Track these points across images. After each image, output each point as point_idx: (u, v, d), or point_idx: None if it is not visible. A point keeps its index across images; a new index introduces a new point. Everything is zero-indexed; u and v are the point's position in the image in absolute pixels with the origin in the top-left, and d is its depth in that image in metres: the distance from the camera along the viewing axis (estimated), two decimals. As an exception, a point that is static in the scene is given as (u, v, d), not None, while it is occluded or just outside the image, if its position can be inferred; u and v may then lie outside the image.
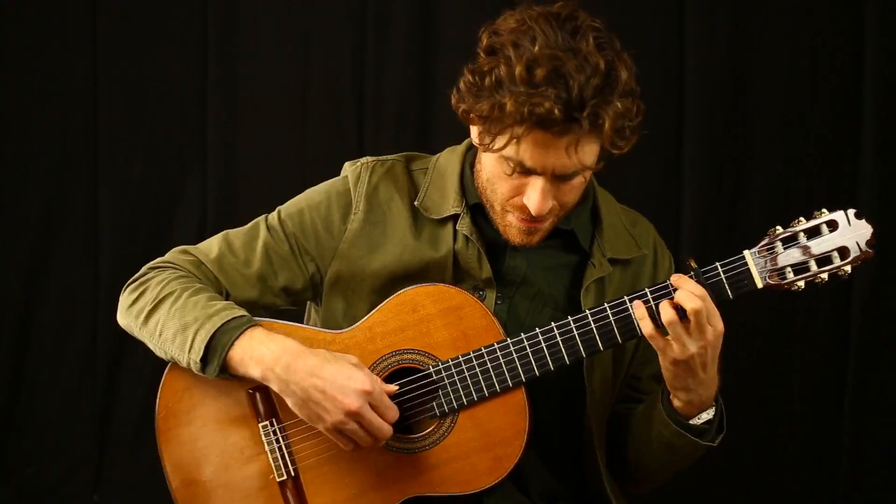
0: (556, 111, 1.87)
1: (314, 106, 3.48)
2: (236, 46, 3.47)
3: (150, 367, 3.51)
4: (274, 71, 3.49)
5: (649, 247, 2.24)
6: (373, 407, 2.01)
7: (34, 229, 3.55)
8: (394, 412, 2.04)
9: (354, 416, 2.00)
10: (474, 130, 2.06)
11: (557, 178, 1.99)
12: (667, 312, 1.93)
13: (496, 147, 1.96)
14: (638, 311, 1.96)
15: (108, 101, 3.51)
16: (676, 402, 2.06)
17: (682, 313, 1.93)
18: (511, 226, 2.08)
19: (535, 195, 1.99)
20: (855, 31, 3.19)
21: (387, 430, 2.03)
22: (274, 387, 2.05)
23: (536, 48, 1.89)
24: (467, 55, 3.35)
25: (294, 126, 3.50)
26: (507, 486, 2.13)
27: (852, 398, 3.27)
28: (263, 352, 2.04)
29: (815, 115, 3.25)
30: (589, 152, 1.96)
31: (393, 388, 2.06)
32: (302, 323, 2.28)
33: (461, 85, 2.00)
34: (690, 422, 2.06)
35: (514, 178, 2.01)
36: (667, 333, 1.95)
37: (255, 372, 2.05)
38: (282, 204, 2.29)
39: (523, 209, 2.03)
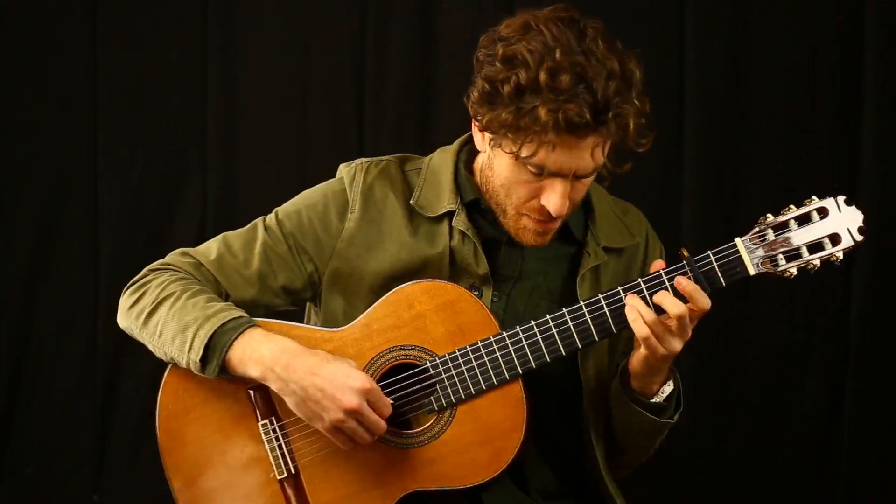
0: (587, 115, 1.91)
1: (314, 106, 3.48)
2: (236, 46, 3.48)
3: (150, 366, 3.48)
4: (274, 71, 3.49)
5: (641, 234, 2.27)
6: (370, 404, 2.03)
7: (34, 229, 3.55)
8: (388, 408, 2.05)
9: (354, 413, 2.01)
10: (481, 135, 2.09)
11: (575, 179, 2.02)
12: (648, 312, 1.97)
13: (524, 154, 1.98)
14: (630, 314, 1.98)
15: (108, 100, 3.51)
16: (636, 384, 2.10)
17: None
18: (526, 228, 2.10)
19: (556, 197, 2.02)
20: (855, 30, 3.20)
21: (382, 426, 2.04)
22: (273, 386, 2.06)
23: (557, 54, 1.92)
24: (467, 55, 3.38)
25: (294, 126, 3.50)
26: (506, 483, 2.14)
27: (852, 400, 3.28)
28: (263, 352, 2.05)
29: (816, 115, 3.25)
30: (606, 151, 2.01)
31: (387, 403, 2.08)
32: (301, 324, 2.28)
33: (474, 94, 2.02)
34: (653, 400, 2.10)
35: (532, 183, 2.04)
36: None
37: (254, 372, 2.06)
38: (280, 204, 2.30)
39: (541, 211, 2.06)
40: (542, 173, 2.01)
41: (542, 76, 1.91)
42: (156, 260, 2.29)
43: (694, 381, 3.17)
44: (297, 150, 3.50)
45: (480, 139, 2.11)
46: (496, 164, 2.09)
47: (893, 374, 3.27)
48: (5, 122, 3.53)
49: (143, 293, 2.19)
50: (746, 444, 3.34)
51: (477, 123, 2.07)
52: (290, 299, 2.26)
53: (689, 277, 1.98)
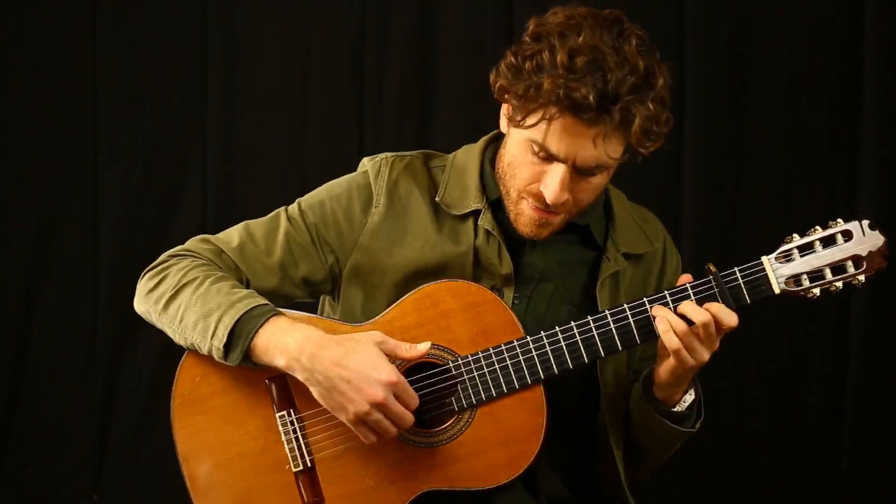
0: (591, 98, 1.92)
1: (314, 106, 3.49)
2: (236, 46, 3.48)
3: (150, 366, 3.52)
4: (274, 71, 3.49)
5: (659, 241, 2.28)
6: (396, 397, 2.01)
7: (34, 229, 3.54)
8: (415, 400, 2.03)
9: (379, 406, 2.00)
10: (505, 109, 2.11)
11: (578, 172, 2.03)
12: (680, 324, 1.99)
13: (527, 124, 2.00)
14: (661, 325, 2.00)
15: (108, 101, 3.50)
16: (659, 393, 2.11)
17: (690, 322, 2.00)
18: (523, 214, 2.11)
19: (553, 183, 2.03)
20: (855, 32, 3.21)
21: (409, 419, 2.03)
22: (299, 376, 2.04)
23: (581, 39, 1.95)
24: (467, 55, 3.40)
25: (294, 126, 3.50)
26: (518, 487, 2.14)
27: (853, 401, 3.29)
28: (288, 341, 2.03)
29: (815, 116, 3.26)
30: (612, 149, 2.01)
31: (424, 347, 2.05)
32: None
33: (502, 65, 2.04)
34: (675, 409, 2.12)
35: (535, 165, 2.05)
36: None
37: (279, 361, 2.04)
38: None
39: (539, 197, 2.06)
40: (544, 154, 2.02)
41: (561, 56, 1.95)
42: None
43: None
44: (297, 150, 3.50)
45: (504, 118, 2.12)
46: (509, 142, 2.12)
47: (894, 376, 3.28)
48: (5, 122, 3.52)
49: (163, 278, 2.16)
50: (747, 446, 3.35)
51: (493, 92, 2.09)
52: (309, 291, 2.24)
53: (715, 292, 2.00)
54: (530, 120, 1.99)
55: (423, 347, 2.05)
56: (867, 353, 3.27)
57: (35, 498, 3.56)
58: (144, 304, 2.19)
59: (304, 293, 2.24)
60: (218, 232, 2.29)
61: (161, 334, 3.44)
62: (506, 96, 2.05)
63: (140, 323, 3.46)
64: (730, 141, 3.30)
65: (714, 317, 1.98)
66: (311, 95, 3.48)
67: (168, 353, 3.44)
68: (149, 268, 2.21)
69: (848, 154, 3.24)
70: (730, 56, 3.29)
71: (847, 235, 2.00)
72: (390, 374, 2.00)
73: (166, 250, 2.26)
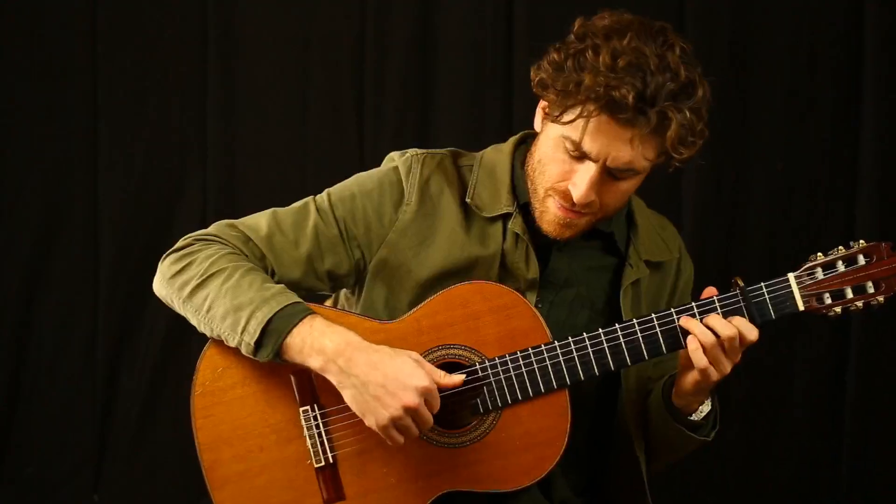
0: (630, 98, 1.93)
1: (314, 106, 3.49)
2: (236, 46, 3.48)
3: (150, 367, 3.52)
4: (274, 71, 3.50)
5: (676, 250, 2.29)
6: (425, 402, 2.01)
7: (34, 229, 3.54)
8: (438, 404, 2.02)
9: (412, 411, 1.99)
10: (541, 106, 2.11)
11: (608, 174, 2.03)
12: (708, 337, 2.00)
13: (564, 120, 2.00)
14: (692, 344, 2.01)
15: (109, 100, 3.50)
16: (678, 402, 2.12)
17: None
18: (548, 211, 2.11)
19: (582, 182, 2.03)
20: (855, 29, 3.21)
21: (431, 422, 2.02)
22: (332, 379, 2.03)
23: (625, 42, 1.96)
24: (467, 55, 3.39)
25: (294, 126, 3.50)
26: (533, 490, 2.14)
27: (853, 400, 3.29)
28: (325, 343, 2.01)
29: (816, 114, 3.26)
30: (646, 152, 2.01)
31: (459, 378, 2.05)
32: (322, 305, 2.25)
33: (544, 60, 2.05)
34: (692, 417, 2.12)
35: (566, 163, 2.05)
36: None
37: (314, 362, 2.02)
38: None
39: (566, 195, 2.06)
40: (576, 152, 2.02)
41: (604, 55, 1.95)
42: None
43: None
44: (296, 149, 3.50)
45: (539, 115, 2.13)
46: (541, 139, 2.12)
47: (893, 377, 3.28)
48: (5, 122, 3.52)
49: (189, 263, 2.11)
50: (744, 447, 3.36)
51: (533, 85, 2.08)
52: (332, 284, 2.22)
53: (741, 306, 2.02)
54: (568, 116, 2.00)
55: (458, 379, 2.04)
56: (867, 354, 3.28)
57: (35, 498, 3.56)
58: (166, 288, 2.14)
59: (326, 286, 2.22)
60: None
61: (161, 335, 3.48)
62: (545, 92, 2.05)
63: (140, 323, 3.53)
64: (730, 142, 3.29)
65: (738, 329, 1.99)
66: (311, 95, 3.49)
67: (168, 353, 3.50)
68: (172, 250, 2.17)
69: (848, 154, 3.24)
70: (730, 56, 3.29)
71: (868, 256, 2.03)
72: (426, 380, 1.99)
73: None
